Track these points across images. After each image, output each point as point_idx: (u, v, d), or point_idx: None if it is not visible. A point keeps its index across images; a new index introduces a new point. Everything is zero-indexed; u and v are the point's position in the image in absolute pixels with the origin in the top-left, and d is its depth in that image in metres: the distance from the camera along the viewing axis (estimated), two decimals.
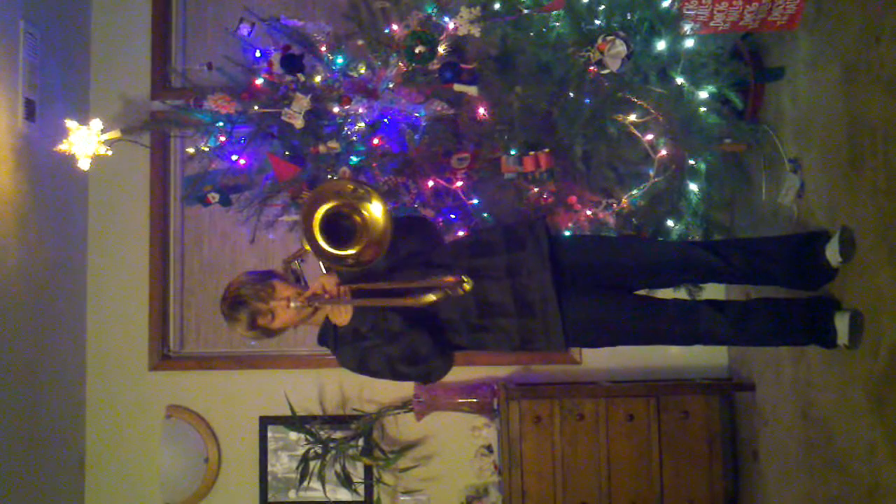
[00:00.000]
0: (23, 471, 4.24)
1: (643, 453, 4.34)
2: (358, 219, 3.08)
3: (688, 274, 3.51)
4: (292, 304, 3.11)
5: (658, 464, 4.33)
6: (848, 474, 3.31)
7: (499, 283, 3.19)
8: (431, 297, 2.95)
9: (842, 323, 3.16)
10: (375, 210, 3.06)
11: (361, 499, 4.80)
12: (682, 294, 3.92)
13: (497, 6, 3.57)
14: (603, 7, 3.53)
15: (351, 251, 3.05)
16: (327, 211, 3.04)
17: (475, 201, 3.82)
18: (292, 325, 3.22)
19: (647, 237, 3.82)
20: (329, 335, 3.26)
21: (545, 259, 3.22)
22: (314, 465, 4.67)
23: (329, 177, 3.76)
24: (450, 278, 3.01)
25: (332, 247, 3.04)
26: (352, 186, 3.09)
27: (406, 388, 4.67)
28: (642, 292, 3.50)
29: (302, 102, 3.62)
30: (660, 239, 3.83)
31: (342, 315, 3.13)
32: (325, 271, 3.18)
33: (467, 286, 2.95)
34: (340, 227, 3.09)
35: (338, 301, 3.11)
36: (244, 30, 3.84)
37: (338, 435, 4.72)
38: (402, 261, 3.22)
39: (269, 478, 4.87)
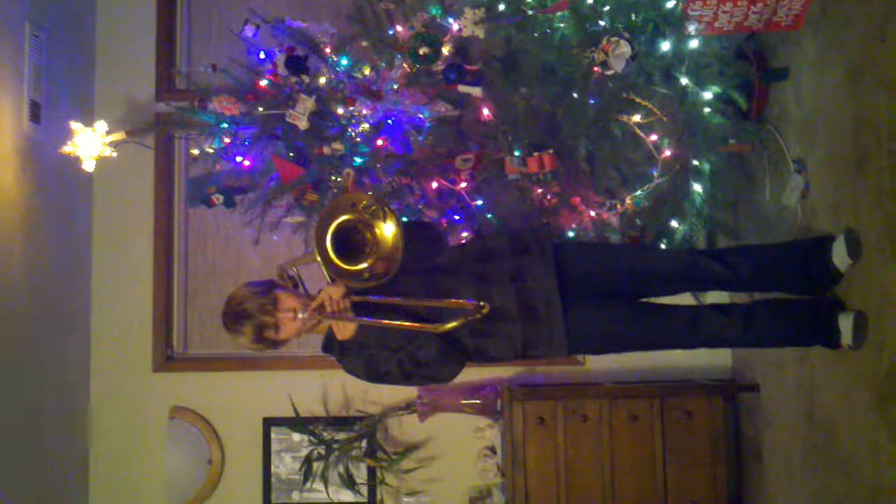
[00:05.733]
0: (27, 472, 4.23)
1: (647, 454, 4.34)
2: (369, 235, 3.07)
3: (693, 283, 3.51)
4: (299, 316, 3.08)
5: (662, 465, 4.33)
6: (852, 475, 3.31)
7: (503, 288, 3.16)
8: (452, 324, 2.91)
9: (846, 323, 3.16)
10: (388, 229, 3.06)
11: (364, 500, 4.79)
12: (686, 298, 3.91)
13: (501, 7, 3.57)
14: (607, 8, 3.53)
15: (362, 266, 3.04)
16: (339, 224, 3.03)
17: (479, 202, 3.83)
18: (297, 335, 3.19)
19: (653, 246, 3.82)
20: (334, 343, 3.22)
21: (550, 265, 3.21)
22: (317, 466, 4.67)
23: (333, 178, 3.77)
24: (463, 302, 2.99)
25: (342, 261, 3.02)
26: (366, 201, 3.08)
27: (409, 390, 4.66)
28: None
29: (306, 104, 3.63)
30: (663, 244, 3.83)
31: (346, 330, 3.09)
32: (329, 281, 3.13)
33: (485, 310, 2.91)
34: (350, 241, 3.08)
35: (342, 317, 3.06)
36: (248, 31, 3.85)
37: (341, 436, 4.72)
38: (406, 267, 3.18)
39: (273, 479, 4.87)
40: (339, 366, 3.30)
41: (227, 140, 3.84)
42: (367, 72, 3.73)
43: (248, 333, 3.10)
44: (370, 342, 3.13)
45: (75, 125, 3.82)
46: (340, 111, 3.69)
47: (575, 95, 3.58)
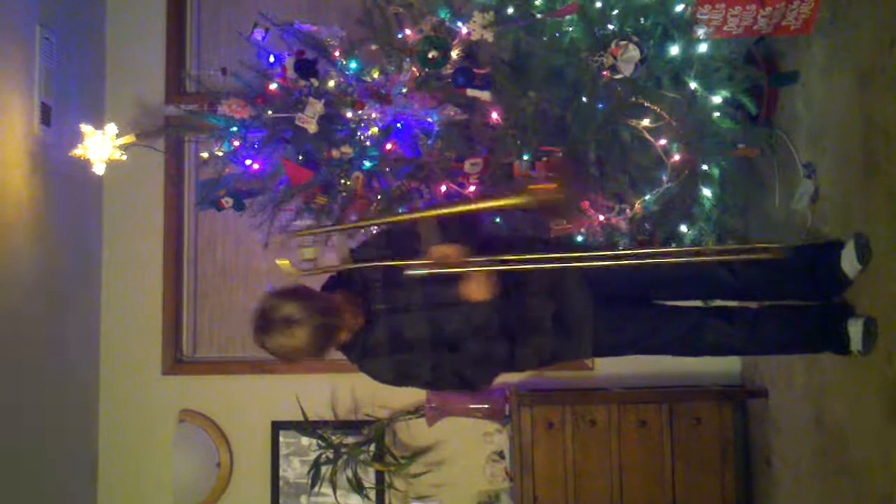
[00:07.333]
0: (36, 474, 4.25)
1: (655, 460, 4.33)
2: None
3: (702, 289, 3.50)
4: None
5: (670, 470, 4.32)
6: (861, 482, 3.29)
7: (540, 303, 3.17)
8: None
9: (855, 329, 3.14)
10: None
11: None
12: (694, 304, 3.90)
13: (510, 11, 3.56)
14: (616, 12, 3.52)
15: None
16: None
17: None
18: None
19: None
20: (356, 345, 3.15)
21: (584, 285, 3.22)
22: (326, 470, 4.67)
23: (342, 181, 3.77)
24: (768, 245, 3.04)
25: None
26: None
27: (419, 394, 4.65)
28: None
29: (315, 107, 3.63)
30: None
31: (483, 286, 3.01)
32: (422, 253, 3.08)
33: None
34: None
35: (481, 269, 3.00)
36: (258, 35, 3.85)
37: (349, 440, 4.72)
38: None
39: (281, 483, 4.88)
40: (356, 367, 3.23)
41: (236, 143, 3.84)
42: (376, 75, 3.73)
43: (311, 343, 2.99)
44: (450, 329, 3.07)
45: (85, 128, 3.84)
46: (349, 115, 3.69)
47: (584, 99, 3.57)
